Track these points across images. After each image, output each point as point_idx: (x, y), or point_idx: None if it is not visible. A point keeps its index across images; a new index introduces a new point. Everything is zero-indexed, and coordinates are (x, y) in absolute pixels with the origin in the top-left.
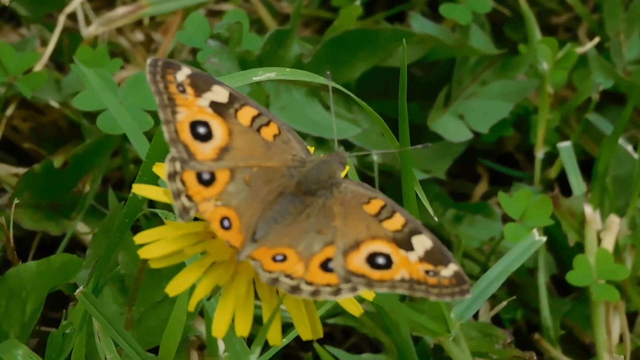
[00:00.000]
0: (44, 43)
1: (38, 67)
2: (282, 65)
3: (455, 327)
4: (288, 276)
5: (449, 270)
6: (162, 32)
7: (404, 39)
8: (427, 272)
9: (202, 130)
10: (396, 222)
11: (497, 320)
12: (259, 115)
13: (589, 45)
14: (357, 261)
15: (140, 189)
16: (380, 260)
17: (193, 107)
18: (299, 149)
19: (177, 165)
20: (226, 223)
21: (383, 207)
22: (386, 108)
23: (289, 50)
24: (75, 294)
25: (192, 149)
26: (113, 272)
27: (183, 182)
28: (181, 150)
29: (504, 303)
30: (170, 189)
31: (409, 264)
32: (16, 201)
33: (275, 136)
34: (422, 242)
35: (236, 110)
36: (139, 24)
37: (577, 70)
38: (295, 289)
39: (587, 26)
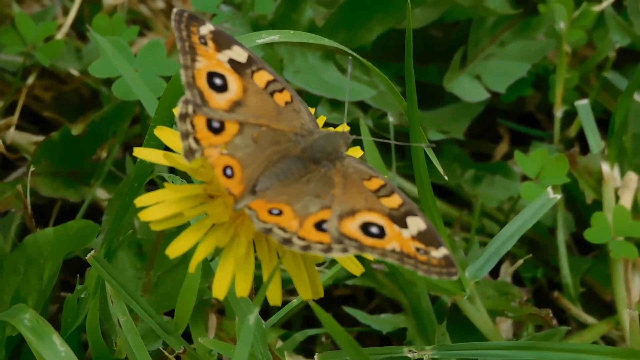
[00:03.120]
0: (66, 12)
1: (59, 36)
2: (296, 29)
3: (470, 286)
4: (282, 229)
5: (440, 252)
6: None
7: (417, 1)
8: (417, 249)
9: (218, 81)
10: (393, 200)
11: (518, 280)
12: (274, 80)
13: (605, 4)
14: (351, 226)
15: (142, 153)
16: (374, 230)
17: (212, 60)
18: (308, 120)
19: (190, 108)
20: (229, 171)
21: (382, 186)
22: (403, 71)
23: (302, 14)
24: (87, 257)
25: (207, 96)
26: (129, 237)
27: (193, 125)
28: (196, 94)
29: (521, 261)
30: (179, 129)
31: (401, 238)
32: (32, 169)
33: (287, 103)
34: (417, 223)
35: (253, 72)
36: None
37: (597, 29)
38: (287, 241)
39: None
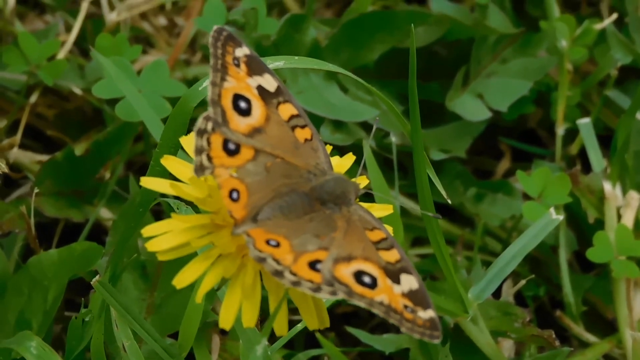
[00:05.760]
0: (69, 29)
1: (62, 54)
2: (299, 49)
3: (473, 307)
4: (276, 260)
5: (426, 314)
6: (184, 16)
7: (419, 21)
8: (406, 306)
9: (243, 104)
10: (391, 255)
11: (520, 297)
12: (297, 115)
13: (607, 22)
14: (345, 271)
15: (148, 182)
16: (366, 279)
17: (241, 82)
18: (324, 161)
19: (209, 125)
20: (235, 195)
21: (383, 239)
22: (406, 89)
23: (305, 34)
24: (92, 282)
25: (228, 116)
26: (133, 259)
27: (209, 142)
28: (218, 113)
29: (523, 281)
30: (194, 143)
31: (391, 292)
32: (37, 190)
33: (306, 140)
34: (409, 282)
35: (279, 103)
36: (161, 8)
37: (599, 45)
38: (278, 273)
39: (608, 2)
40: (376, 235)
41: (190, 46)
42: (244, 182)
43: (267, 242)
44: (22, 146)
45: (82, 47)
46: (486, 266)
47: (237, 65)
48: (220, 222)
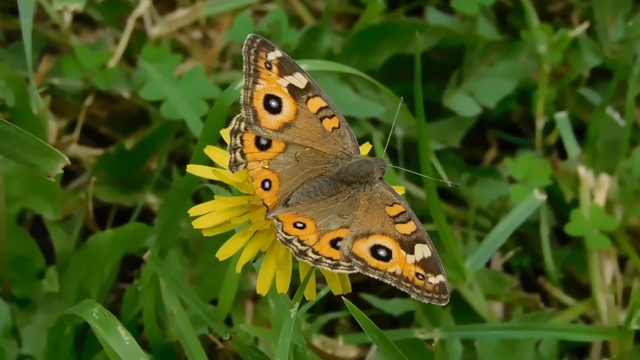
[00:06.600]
0: (116, 42)
1: (112, 63)
2: (315, 56)
3: (470, 275)
4: (301, 242)
5: (437, 279)
6: (216, 30)
7: (418, 31)
8: (417, 274)
9: (274, 103)
10: (408, 227)
11: (508, 267)
12: (326, 107)
13: (579, 30)
14: (362, 247)
15: (193, 169)
16: (382, 253)
17: (272, 83)
18: (351, 146)
19: (242, 125)
20: (267, 184)
21: (402, 213)
22: (408, 89)
23: (321, 43)
24: (144, 257)
25: (260, 116)
26: (177, 237)
27: (242, 141)
28: (250, 114)
29: (511, 253)
30: (228, 142)
31: (405, 263)
32: (93, 179)
33: (334, 128)
34: (423, 250)
35: (308, 98)
36: (196, 24)
37: (572, 50)
38: (301, 253)
39: (579, 12)
40: (395, 210)
41: (222, 56)
42: (275, 172)
43: (294, 225)
44: (80, 142)
45: (128, 57)
46: (479, 241)
47: (269, 68)
48: (256, 203)
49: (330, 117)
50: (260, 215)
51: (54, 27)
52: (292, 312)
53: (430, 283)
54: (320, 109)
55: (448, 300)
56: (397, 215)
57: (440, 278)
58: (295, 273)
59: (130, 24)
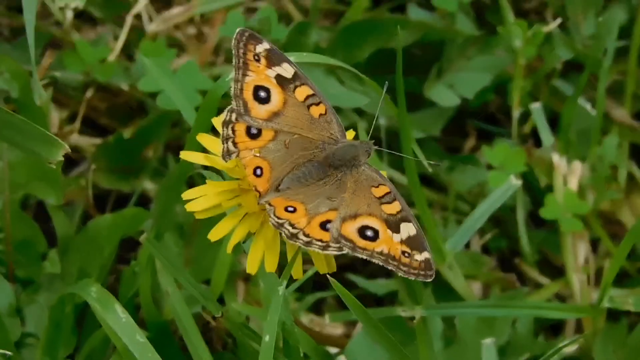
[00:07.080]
0: (116, 38)
1: (111, 57)
2: (303, 50)
3: (449, 257)
4: (292, 225)
5: (422, 256)
6: (210, 26)
7: (400, 26)
8: (403, 252)
9: (263, 94)
10: (393, 207)
11: (486, 249)
12: (313, 95)
13: (553, 25)
14: (350, 229)
15: (186, 155)
16: (369, 233)
17: (261, 75)
18: (337, 131)
19: (233, 116)
20: (258, 171)
21: (387, 194)
22: (390, 81)
23: (309, 38)
24: (141, 239)
25: (250, 106)
26: (173, 221)
27: (233, 131)
28: (240, 105)
29: (489, 235)
30: (221, 133)
31: (391, 241)
32: (93, 167)
33: (320, 115)
34: (408, 229)
35: (296, 87)
36: (191, 20)
37: (545, 45)
38: (293, 236)
39: (552, 9)
40: (381, 191)
41: (215, 51)
42: (266, 159)
43: (286, 209)
44: (80, 132)
45: (127, 52)
46: (458, 224)
47: (258, 60)
48: (245, 187)
49: (317, 104)
50: (250, 199)
51: (57, 24)
52: (280, 290)
53: (416, 260)
54: (308, 96)
55: (434, 275)
56: (382, 196)
57: (425, 255)
58: (283, 255)
59: (129, 20)
